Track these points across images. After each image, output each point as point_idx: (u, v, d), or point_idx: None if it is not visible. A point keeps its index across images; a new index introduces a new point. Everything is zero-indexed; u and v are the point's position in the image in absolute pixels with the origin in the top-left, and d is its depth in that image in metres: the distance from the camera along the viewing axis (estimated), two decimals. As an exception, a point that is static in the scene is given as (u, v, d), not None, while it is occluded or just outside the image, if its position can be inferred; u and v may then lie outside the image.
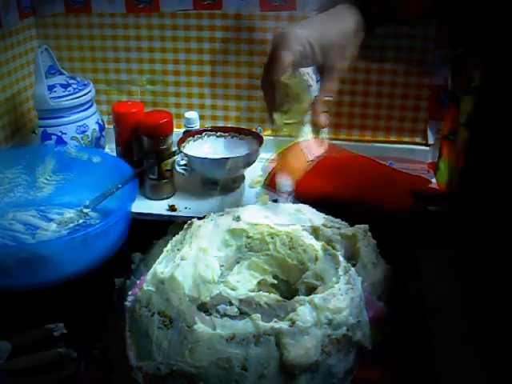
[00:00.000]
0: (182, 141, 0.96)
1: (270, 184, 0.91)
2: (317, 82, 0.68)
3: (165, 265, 0.59)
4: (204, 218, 0.69)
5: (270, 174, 0.93)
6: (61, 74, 1.02)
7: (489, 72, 0.55)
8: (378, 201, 0.85)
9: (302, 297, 0.53)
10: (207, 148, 0.99)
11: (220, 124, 1.10)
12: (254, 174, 0.99)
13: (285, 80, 0.63)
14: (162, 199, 0.94)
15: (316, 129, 0.68)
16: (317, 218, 0.66)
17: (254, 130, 1.03)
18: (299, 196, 0.77)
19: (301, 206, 0.68)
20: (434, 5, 0.70)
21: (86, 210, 0.81)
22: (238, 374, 0.50)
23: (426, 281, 0.70)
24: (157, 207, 0.92)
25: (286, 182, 0.68)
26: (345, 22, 0.67)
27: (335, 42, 0.65)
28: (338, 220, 0.67)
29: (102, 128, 1.02)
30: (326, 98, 0.67)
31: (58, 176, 0.89)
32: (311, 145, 0.69)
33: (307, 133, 0.68)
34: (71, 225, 0.81)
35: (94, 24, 1.07)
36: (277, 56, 0.64)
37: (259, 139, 0.95)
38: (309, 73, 0.68)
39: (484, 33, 0.58)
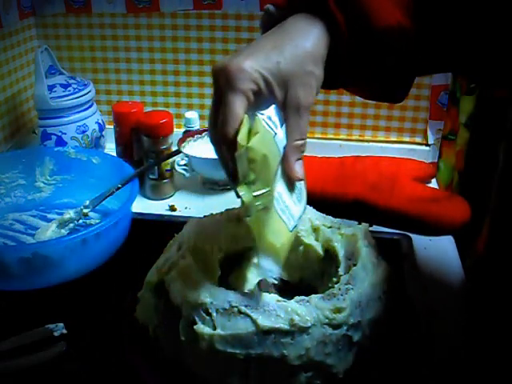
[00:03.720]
0: (182, 141, 0.96)
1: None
2: (281, 125, 0.49)
3: (165, 265, 0.59)
4: (204, 217, 0.69)
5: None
6: (61, 73, 1.02)
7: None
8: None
9: (302, 297, 0.53)
10: (207, 148, 0.99)
11: (220, 124, 1.10)
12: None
13: (242, 142, 0.45)
14: (162, 199, 0.94)
15: (291, 183, 0.51)
16: (317, 218, 0.66)
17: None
18: None
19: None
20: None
21: (85, 210, 0.81)
22: (238, 374, 0.50)
23: (425, 281, 0.70)
24: (157, 207, 0.92)
25: (271, 266, 0.51)
26: (303, 39, 0.48)
27: (296, 69, 0.48)
28: (338, 220, 0.67)
29: (102, 128, 1.02)
30: (297, 143, 0.49)
31: (57, 177, 0.89)
32: (290, 205, 0.51)
33: (281, 193, 0.50)
34: (71, 225, 0.81)
35: (94, 24, 1.07)
36: (224, 103, 0.47)
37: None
38: (270, 116, 0.49)
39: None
